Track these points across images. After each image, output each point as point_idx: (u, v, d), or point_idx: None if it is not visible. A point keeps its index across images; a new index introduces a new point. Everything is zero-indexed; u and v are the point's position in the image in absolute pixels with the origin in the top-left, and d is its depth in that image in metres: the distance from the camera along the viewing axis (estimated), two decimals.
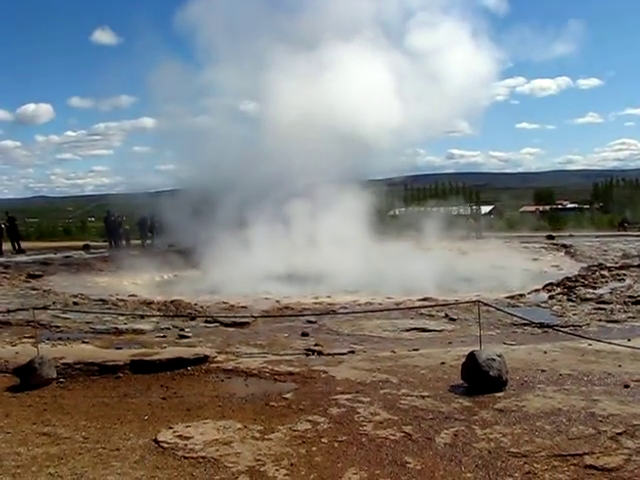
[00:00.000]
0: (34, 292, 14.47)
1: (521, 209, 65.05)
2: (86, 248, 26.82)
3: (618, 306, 11.06)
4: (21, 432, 5.30)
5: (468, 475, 4.21)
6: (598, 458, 4.34)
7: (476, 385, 5.91)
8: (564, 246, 23.11)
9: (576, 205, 65.49)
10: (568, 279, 14.63)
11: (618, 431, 4.76)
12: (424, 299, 12.81)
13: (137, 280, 18.55)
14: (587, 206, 57.24)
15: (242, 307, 12.61)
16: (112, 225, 27.57)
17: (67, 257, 22.43)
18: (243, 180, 20.22)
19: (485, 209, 53.26)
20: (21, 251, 25.06)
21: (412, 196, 40.28)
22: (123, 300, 13.47)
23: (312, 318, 10.67)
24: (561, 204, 69.87)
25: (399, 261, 18.83)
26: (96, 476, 4.39)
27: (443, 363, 6.93)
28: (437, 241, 22.58)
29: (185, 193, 22.23)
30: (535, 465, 4.30)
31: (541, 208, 57.53)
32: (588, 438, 4.67)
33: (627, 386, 5.86)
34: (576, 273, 15.85)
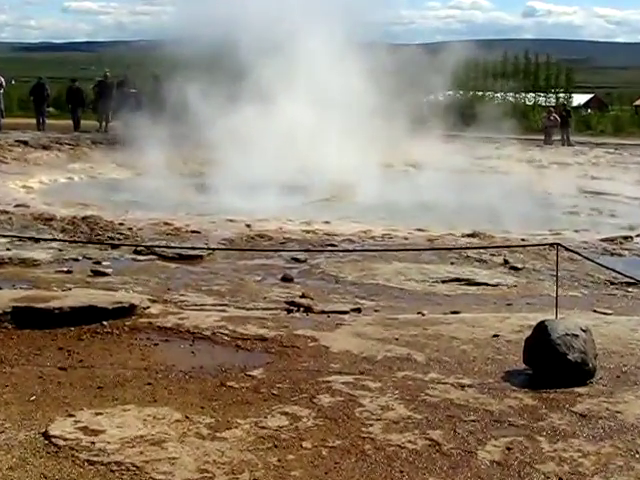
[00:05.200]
0: None
1: (637, 102, 64.45)
2: None
3: None
4: None
5: None
6: None
7: (546, 373, 5.91)
8: None
9: None
10: None
11: None
12: (473, 235, 12.84)
13: (30, 182, 18.45)
14: None
15: (193, 232, 12.66)
16: None
17: None
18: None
19: (580, 99, 52.82)
20: None
21: (467, 73, 39.56)
22: (6, 212, 13.45)
23: (300, 255, 10.73)
24: None
25: (438, 174, 18.75)
26: None
27: (496, 336, 6.95)
28: (500, 146, 22.46)
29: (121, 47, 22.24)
30: None
31: None
32: None
33: None
34: None
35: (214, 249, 10.97)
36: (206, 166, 18.39)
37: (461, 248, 11.34)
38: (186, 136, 19.49)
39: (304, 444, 4.92)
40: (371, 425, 5.18)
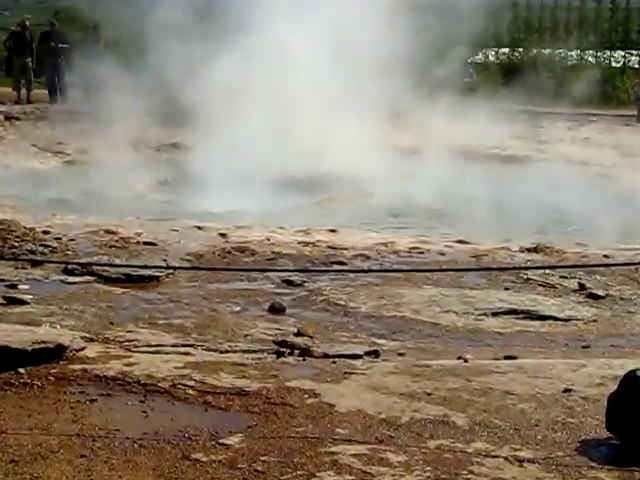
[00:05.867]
0: None
1: None
2: None
3: None
4: None
5: None
6: None
7: (638, 444, 5.86)
8: None
9: None
10: None
11: None
12: (535, 249, 12.86)
13: None
14: None
15: (147, 244, 12.70)
16: None
17: None
18: None
19: None
20: None
21: (528, 23, 39.73)
22: None
23: (295, 276, 10.82)
24: None
25: (487, 163, 18.79)
26: None
27: (568, 391, 6.93)
28: (575, 125, 22.49)
29: None
30: None
31: None
32: None
33: None
34: None
35: (176, 268, 10.99)
36: (166, 150, 18.36)
37: (519, 268, 11.37)
38: (138, 109, 19.43)
39: None
40: None
